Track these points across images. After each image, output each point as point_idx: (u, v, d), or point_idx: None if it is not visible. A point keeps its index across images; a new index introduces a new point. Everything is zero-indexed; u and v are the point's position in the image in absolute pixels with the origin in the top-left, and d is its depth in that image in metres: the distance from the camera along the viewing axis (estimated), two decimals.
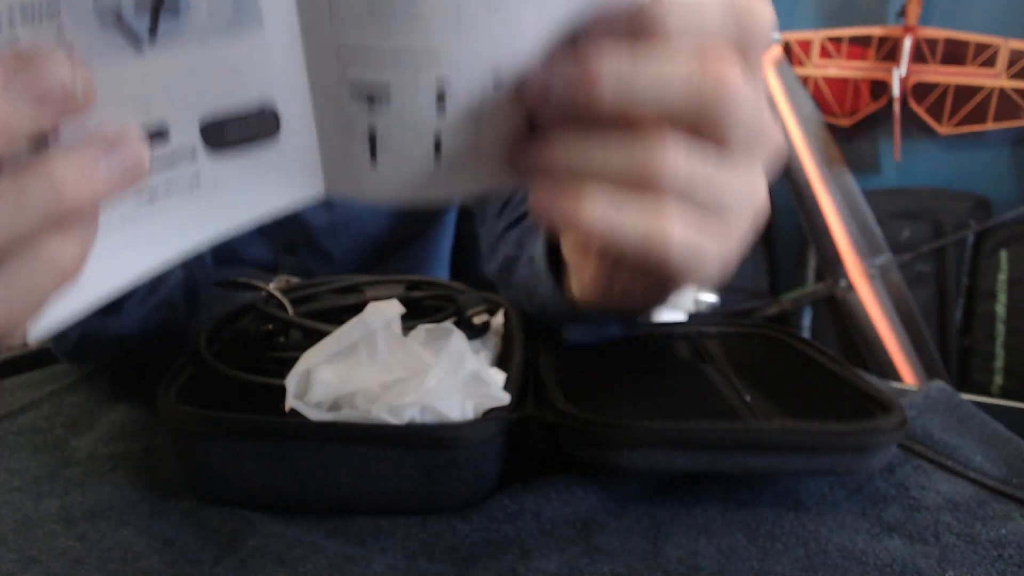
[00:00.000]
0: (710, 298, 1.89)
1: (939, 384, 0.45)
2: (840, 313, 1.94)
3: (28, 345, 0.42)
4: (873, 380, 0.48)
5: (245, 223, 0.28)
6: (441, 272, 0.84)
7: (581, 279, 0.38)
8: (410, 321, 0.38)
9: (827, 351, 0.44)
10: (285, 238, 0.78)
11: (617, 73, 0.24)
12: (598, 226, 0.26)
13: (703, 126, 0.25)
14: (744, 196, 0.28)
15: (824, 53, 1.93)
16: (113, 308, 0.46)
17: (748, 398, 0.40)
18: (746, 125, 0.26)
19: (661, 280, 0.32)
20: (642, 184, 0.26)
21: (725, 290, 1.95)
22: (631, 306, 0.37)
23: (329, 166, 0.28)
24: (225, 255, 0.76)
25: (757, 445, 0.33)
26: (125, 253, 0.26)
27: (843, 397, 0.39)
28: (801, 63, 1.96)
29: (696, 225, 0.27)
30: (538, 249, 0.43)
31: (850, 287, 1.90)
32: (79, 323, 0.44)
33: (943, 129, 1.83)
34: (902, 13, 1.81)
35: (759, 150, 0.28)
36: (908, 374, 1.85)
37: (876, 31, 1.87)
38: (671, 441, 0.32)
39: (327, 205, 0.77)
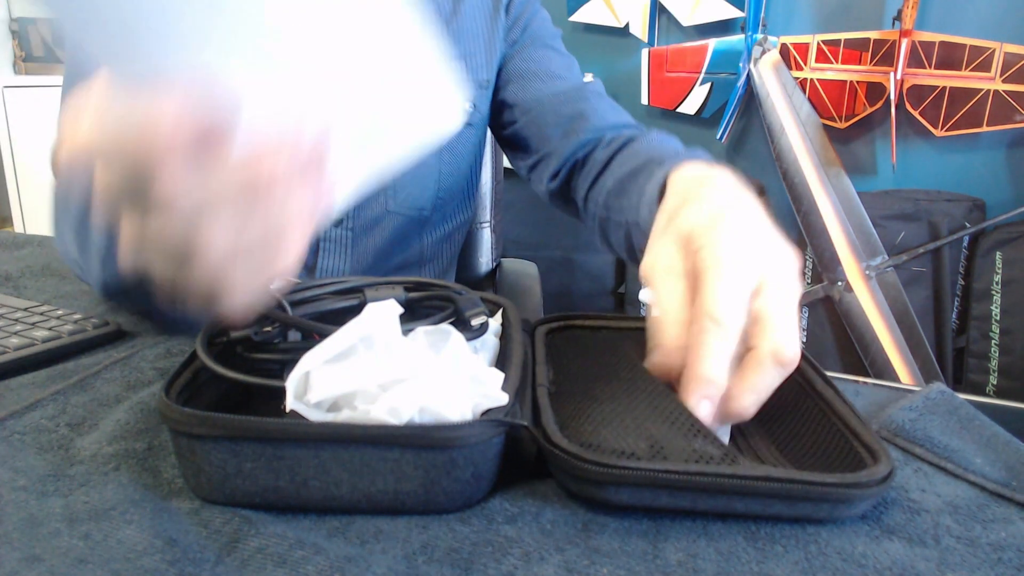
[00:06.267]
0: None
1: (939, 386, 0.45)
2: (837, 314, 1.95)
3: None
4: (869, 381, 0.48)
5: None
6: (444, 268, 0.85)
7: None
8: (409, 323, 0.38)
9: (822, 371, 0.43)
10: None
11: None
12: None
13: None
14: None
15: (821, 56, 1.94)
16: None
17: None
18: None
19: None
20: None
21: None
22: None
23: None
24: None
25: (739, 492, 0.33)
26: None
27: (833, 434, 0.38)
28: (799, 66, 1.97)
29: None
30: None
31: (847, 288, 1.90)
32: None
33: (939, 132, 1.83)
34: (898, 17, 1.82)
35: None
36: (904, 375, 1.86)
37: (872, 35, 1.87)
38: (656, 483, 0.33)
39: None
